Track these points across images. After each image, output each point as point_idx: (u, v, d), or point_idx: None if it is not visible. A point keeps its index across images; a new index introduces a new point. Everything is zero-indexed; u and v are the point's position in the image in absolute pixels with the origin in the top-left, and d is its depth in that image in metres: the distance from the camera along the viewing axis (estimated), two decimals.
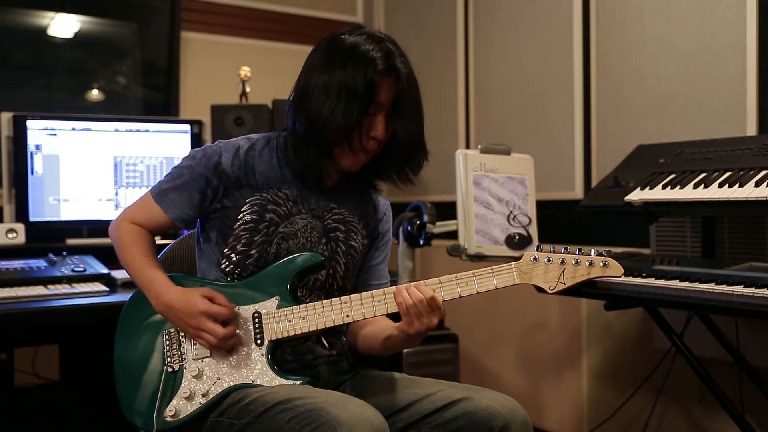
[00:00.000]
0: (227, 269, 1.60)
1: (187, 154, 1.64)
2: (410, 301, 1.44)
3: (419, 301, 1.44)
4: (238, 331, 1.54)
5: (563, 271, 1.43)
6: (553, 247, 1.45)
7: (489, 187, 2.42)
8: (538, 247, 1.47)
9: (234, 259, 1.60)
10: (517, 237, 2.41)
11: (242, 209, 1.59)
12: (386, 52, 1.51)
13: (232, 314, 1.53)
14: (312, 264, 1.58)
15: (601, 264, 1.41)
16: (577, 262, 1.42)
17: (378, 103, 1.51)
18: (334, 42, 1.55)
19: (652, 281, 1.86)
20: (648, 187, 2.10)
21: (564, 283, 1.43)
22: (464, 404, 1.47)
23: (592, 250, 1.43)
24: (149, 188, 1.66)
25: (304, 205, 1.62)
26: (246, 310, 1.56)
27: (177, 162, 1.66)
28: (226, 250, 1.60)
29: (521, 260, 1.46)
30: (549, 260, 1.44)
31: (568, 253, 1.44)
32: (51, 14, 3.20)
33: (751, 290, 1.65)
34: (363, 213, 1.71)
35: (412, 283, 1.46)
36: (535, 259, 1.45)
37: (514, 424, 1.44)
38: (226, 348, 1.53)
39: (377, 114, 1.53)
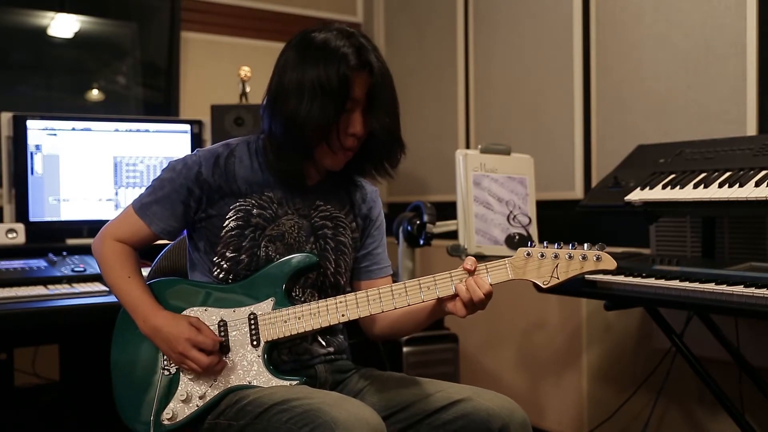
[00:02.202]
0: (219, 276, 1.60)
1: (166, 166, 1.62)
2: (478, 297, 1.43)
3: (479, 301, 1.43)
4: (232, 336, 1.54)
5: (557, 266, 1.43)
6: (546, 243, 1.45)
7: (489, 187, 2.42)
8: (531, 243, 1.46)
9: (225, 266, 1.59)
10: (517, 237, 2.41)
11: (227, 216, 1.58)
12: (358, 46, 1.50)
13: (217, 346, 1.52)
14: (307, 265, 1.58)
15: (594, 258, 1.41)
16: (570, 257, 1.42)
17: (353, 99, 1.50)
18: (304, 40, 1.54)
19: (652, 281, 1.86)
20: (648, 187, 2.10)
21: (558, 278, 1.43)
22: (463, 405, 1.47)
23: (586, 245, 1.43)
24: (131, 203, 1.64)
25: (289, 205, 1.62)
26: (241, 312, 1.55)
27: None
28: (215, 258, 1.59)
29: (515, 256, 1.46)
30: (542, 255, 1.44)
31: (561, 248, 1.44)
32: (51, 14, 3.20)
33: (751, 290, 1.65)
34: (350, 206, 1.71)
35: (471, 277, 1.44)
36: (528, 254, 1.45)
37: (512, 425, 1.44)
38: (207, 373, 1.53)
39: (354, 110, 1.52)
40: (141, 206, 1.61)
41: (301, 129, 1.49)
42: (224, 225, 1.58)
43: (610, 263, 1.42)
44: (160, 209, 1.59)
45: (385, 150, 1.59)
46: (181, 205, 1.58)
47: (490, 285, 1.44)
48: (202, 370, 1.51)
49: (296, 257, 1.57)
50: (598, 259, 1.41)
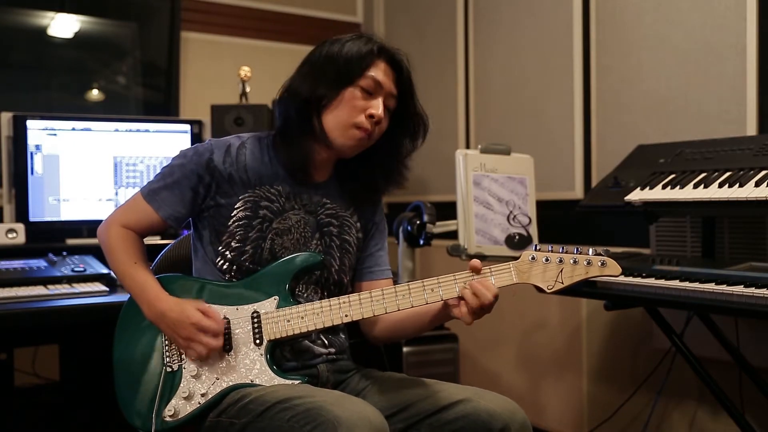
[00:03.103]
0: (223, 267, 1.60)
1: (177, 153, 1.63)
2: (487, 300, 1.42)
3: (489, 304, 1.43)
4: (235, 334, 1.54)
5: (561, 271, 1.43)
6: (551, 247, 1.45)
7: (489, 187, 2.42)
8: (535, 246, 1.46)
9: (229, 256, 1.59)
10: (517, 237, 2.41)
11: (235, 206, 1.58)
12: (382, 44, 1.58)
13: (222, 330, 1.52)
14: (311, 264, 1.58)
15: (599, 263, 1.41)
16: (575, 262, 1.42)
17: (375, 80, 1.54)
18: (325, 41, 1.60)
19: (652, 281, 1.86)
20: (648, 187, 2.10)
21: (562, 283, 1.43)
22: (464, 406, 1.47)
23: (590, 250, 1.43)
24: (139, 190, 1.64)
25: (296, 200, 1.62)
26: (245, 310, 1.55)
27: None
28: (220, 248, 1.60)
29: (519, 259, 1.46)
30: (547, 260, 1.44)
31: (566, 252, 1.43)
32: (51, 14, 3.20)
33: (751, 290, 1.65)
34: (355, 207, 1.71)
35: (477, 282, 1.43)
36: (533, 258, 1.45)
37: (513, 426, 1.44)
38: (208, 359, 1.53)
39: (377, 96, 1.55)
40: (150, 192, 1.61)
41: (315, 84, 1.54)
42: (232, 215, 1.58)
43: (615, 269, 1.42)
44: (169, 194, 1.59)
45: (400, 142, 1.62)
46: (190, 191, 1.58)
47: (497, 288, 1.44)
48: (207, 353, 1.50)
49: (301, 256, 1.58)
50: (603, 264, 1.41)
